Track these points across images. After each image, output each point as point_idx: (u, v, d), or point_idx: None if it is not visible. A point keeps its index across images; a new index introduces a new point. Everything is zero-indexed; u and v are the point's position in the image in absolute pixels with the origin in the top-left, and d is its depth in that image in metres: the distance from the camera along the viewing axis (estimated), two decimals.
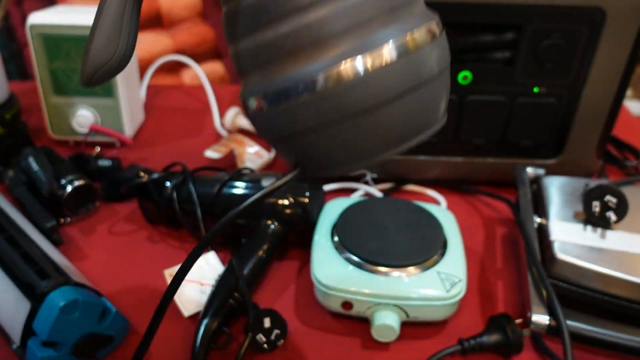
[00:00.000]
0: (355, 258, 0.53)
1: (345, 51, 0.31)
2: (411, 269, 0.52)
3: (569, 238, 0.54)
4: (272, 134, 0.35)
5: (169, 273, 0.55)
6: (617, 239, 0.54)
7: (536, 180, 0.66)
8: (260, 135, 0.37)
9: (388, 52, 0.31)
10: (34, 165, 0.66)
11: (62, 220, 0.67)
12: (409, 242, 0.55)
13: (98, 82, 0.34)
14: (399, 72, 0.32)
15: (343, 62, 0.31)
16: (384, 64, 0.31)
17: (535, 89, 0.67)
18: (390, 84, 0.32)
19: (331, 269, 0.53)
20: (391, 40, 0.32)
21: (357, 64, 0.31)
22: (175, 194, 0.62)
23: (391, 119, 0.33)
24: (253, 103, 0.34)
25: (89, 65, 0.33)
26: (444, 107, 0.36)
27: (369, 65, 0.31)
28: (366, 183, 0.74)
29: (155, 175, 0.64)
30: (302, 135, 0.34)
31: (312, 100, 0.32)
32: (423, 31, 0.33)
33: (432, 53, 0.33)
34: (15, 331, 0.48)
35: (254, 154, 0.78)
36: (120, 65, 0.34)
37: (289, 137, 0.34)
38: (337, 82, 0.31)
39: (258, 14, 0.32)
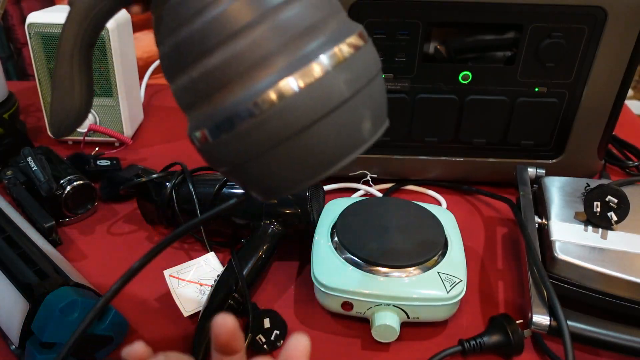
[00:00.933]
0: (355, 258, 0.53)
1: (276, 72, 0.31)
2: (411, 269, 0.52)
3: (570, 238, 0.54)
4: (221, 165, 0.35)
5: (169, 273, 0.55)
6: (618, 240, 0.54)
7: (537, 181, 0.66)
8: (212, 167, 0.37)
9: (319, 67, 0.31)
10: (33, 165, 0.65)
11: (60, 220, 0.66)
12: (409, 243, 0.55)
13: (65, 134, 0.38)
14: (332, 85, 0.32)
15: (274, 84, 0.31)
16: (315, 80, 0.31)
17: (536, 89, 0.67)
18: (323, 99, 0.31)
19: (331, 269, 0.53)
20: (321, 56, 0.31)
21: (290, 84, 0.31)
22: (174, 194, 0.62)
23: (327, 134, 0.32)
24: (197, 137, 0.34)
25: (52, 124, 0.38)
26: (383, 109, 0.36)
27: (301, 83, 0.31)
28: (366, 183, 0.74)
29: (155, 176, 0.64)
30: (247, 163, 0.33)
31: (249, 128, 0.32)
32: (349, 42, 0.33)
33: (361, 60, 0.33)
34: (13, 332, 0.48)
35: None
36: (79, 119, 0.38)
37: (235, 166, 0.34)
38: (270, 105, 0.31)
39: (186, 51, 0.32)
